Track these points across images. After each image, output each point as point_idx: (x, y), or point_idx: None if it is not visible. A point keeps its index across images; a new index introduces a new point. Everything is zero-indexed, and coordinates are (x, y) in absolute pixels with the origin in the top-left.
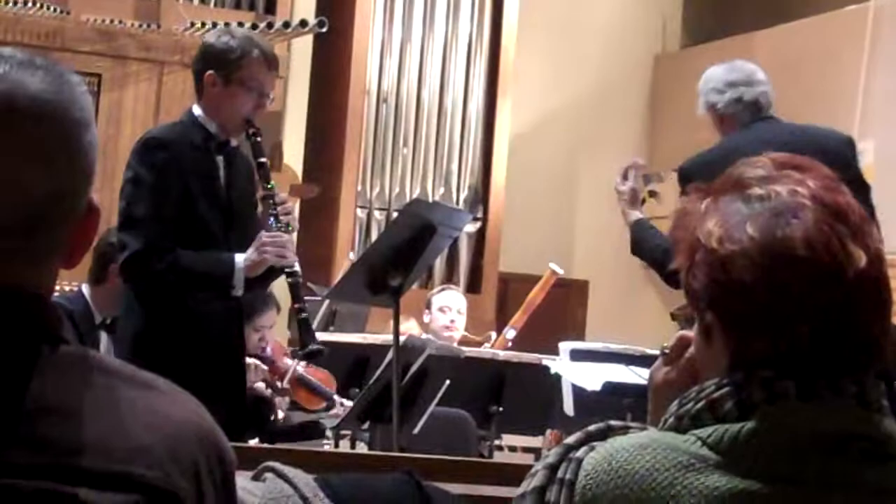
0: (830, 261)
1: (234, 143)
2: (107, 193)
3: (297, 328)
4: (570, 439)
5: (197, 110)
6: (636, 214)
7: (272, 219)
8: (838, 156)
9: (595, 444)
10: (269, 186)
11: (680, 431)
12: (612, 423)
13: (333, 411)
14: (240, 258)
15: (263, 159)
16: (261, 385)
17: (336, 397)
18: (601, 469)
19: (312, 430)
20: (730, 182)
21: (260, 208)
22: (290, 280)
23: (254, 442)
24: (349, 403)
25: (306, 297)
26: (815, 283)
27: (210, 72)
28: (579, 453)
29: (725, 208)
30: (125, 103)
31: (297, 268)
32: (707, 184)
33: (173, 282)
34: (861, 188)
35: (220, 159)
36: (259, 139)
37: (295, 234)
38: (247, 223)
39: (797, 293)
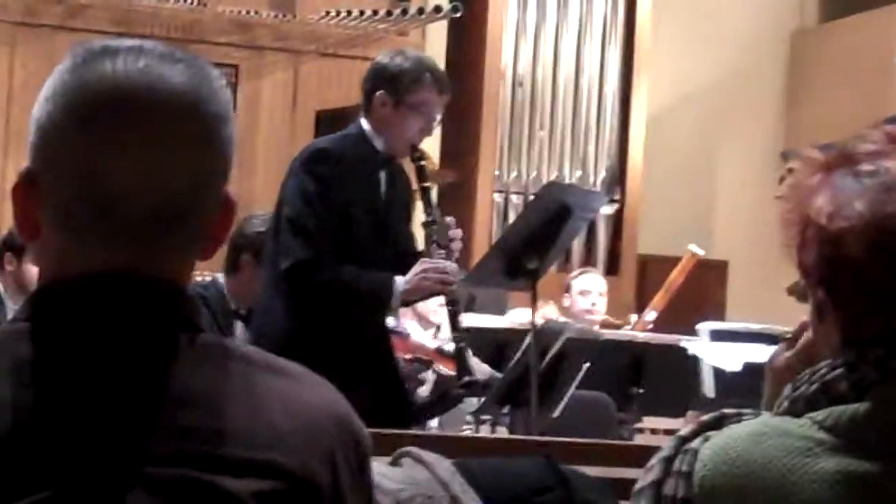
0: None
1: (399, 160)
2: (244, 184)
3: (456, 358)
4: (684, 431)
5: (365, 125)
6: None
7: (434, 245)
8: None
9: (710, 434)
10: (431, 212)
11: (795, 415)
12: (726, 411)
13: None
14: (400, 281)
15: (428, 184)
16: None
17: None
18: (718, 459)
19: (448, 400)
20: (841, 156)
21: (422, 234)
22: (450, 308)
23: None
24: (484, 366)
25: (454, 268)
26: None
27: (381, 92)
28: (694, 444)
29: (836, 183)
30: (262, 94)
31: (458, 297)
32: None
33: (333, 295)
34: None
35: (382, 175)
36: (424, 163)
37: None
38: (399, 239)
39: None
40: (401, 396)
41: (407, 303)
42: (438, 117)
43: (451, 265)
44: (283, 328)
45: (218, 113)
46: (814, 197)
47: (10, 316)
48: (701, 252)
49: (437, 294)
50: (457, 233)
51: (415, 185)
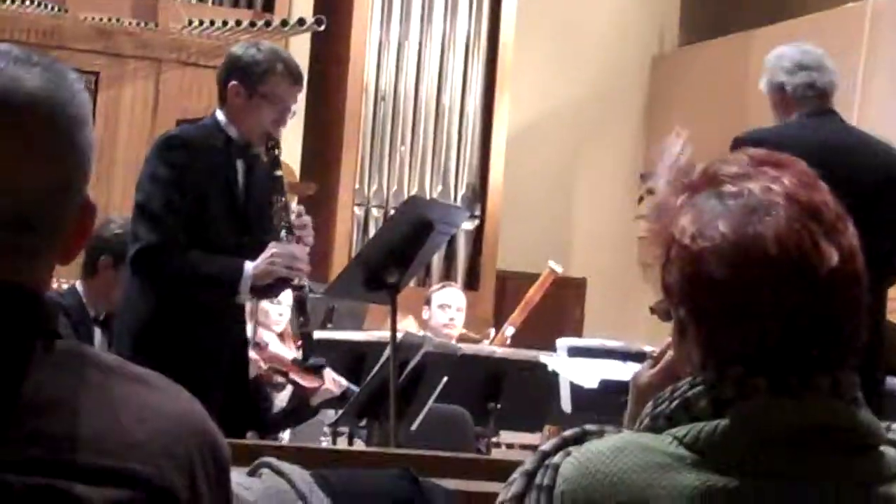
0: (801, 259)
1: (255, 150)
2: (103, 191)
3: (301, 343)
4: (546, 446)
5: (220, 115)
6: None
7: (284, 231)
8: (890, 170)
9: (571, 448)
10: (282, 198)
11: (656, 432)
12: (588, 426)
13: (326, 387)
14: (249, 265)
15: (279, 172)
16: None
17: (327, 370)
18: (578, 474)
19: (304, 411)
20: (705, 178)
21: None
22: (296, 294)
23: (250, 435)
24: (340, 378)
25: (304, 252)
26: (786, 281)
27: (234, 82)
28: (556, 459)
29: (700, 204)
30: (122, 102)
31: (306, 282)
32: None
33: (180, 280)
34: None
35: (239, 164)
36: (277, 152)
37: (307, 247)
38: (261, 230)
39: (768, 291)
40: (249, 405)
41: (256, 289)
42: (293, 108)
43: (300, 250)
44: (142, 319)
45: (75, 116)
46: (678, 217)
47: None
48: (559, 269)
49: (286, 278)
50: (307, 219)
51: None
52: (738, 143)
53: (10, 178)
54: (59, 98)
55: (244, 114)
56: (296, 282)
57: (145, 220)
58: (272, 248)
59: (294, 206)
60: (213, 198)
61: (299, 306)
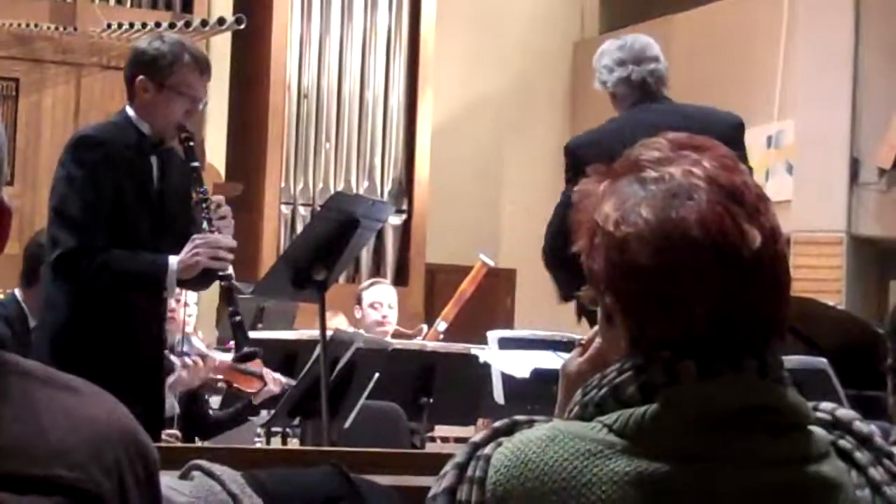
0: (724, 241)
1: (169, 144)
2: (28, 196)
3: (232, 332)
4: (477, 437)
5: (130, 111)
6: None
7: (205, 222)
8: (723, 139)
9: (502, 439)
10: (202, 190)
11: (585, 419)
12: (518, 417)
13: (268, 388)
14: (173, 260)
15: (196, 163)
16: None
17: (266, 370)
18: (510, 464)
19: (247, 410)
20: (627, 164)
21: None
22: (223, 284)
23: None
24: (279, 376)
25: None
26: (710, 264)
27: (141, 77)
28: (487, 450)
29: (622, 191)
30: (44, 107)
31: (231, 271)
32: (606, 165)
33: (105, 281)
34: None
35: (153, 160)
36: (192, 143)
37: (230, 237)
38: (179, 225)
39: (692, 274)
40: (162, 406)
41: (185, 283)
42: (204, 98)
43: (223, 239)
44: (61, 321)
45: None
46: (601, 204)
47: None
48: (491, 262)
49: (211, 269)
50: (226, 209)
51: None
52: (569, 150)
53: None
54: None
55: (154, 108)
56: (222, 272)
57: (63, 224)
58: (195, 240)
59: (213, 196)
60: (128, 195)
61: (228, 296)
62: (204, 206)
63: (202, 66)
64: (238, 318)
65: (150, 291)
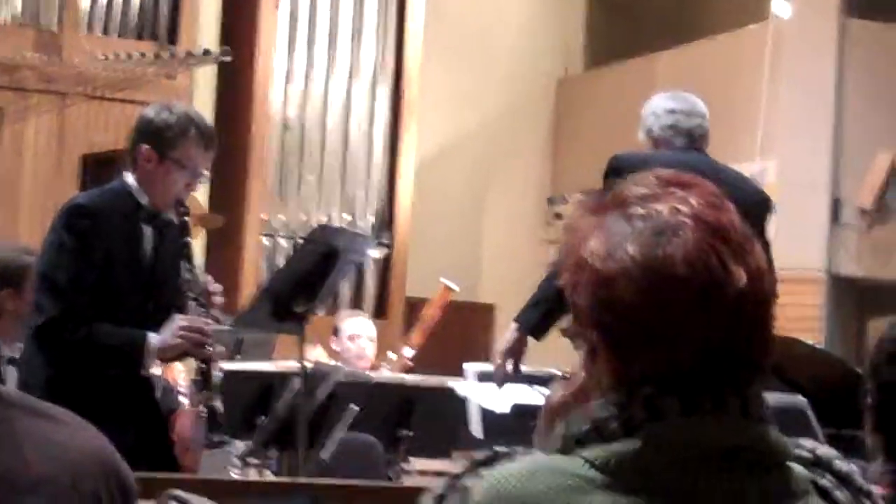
0: (710, 280)
1: (165, 216)
2: (8, 228)
3: (206, 418)
4: (457, 468)
5: (130, 179)
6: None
7: (194, 302)
8: (749, 210)
9: (482, 471)
10: (191, 267)
11: (566, 453)
12: (498, 449)
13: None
14: (153, 339)
15: (188, 238)
16: None
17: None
18: (489, 496)
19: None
20: (614, 199)
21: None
22: (202, 366)
23: None
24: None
25: (212, 327)
26: (695, 302)
27: (146, 147)
28: (466, 481)
29: (608, 226)
30: (27, 136)
31: (212, 357)
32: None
33: (84, 354)
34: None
35: (148, 230)
36: (187, 219)
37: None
38: (168, 295)
39: (677, 312)
40: (165, 439)
41: (164, 359)
42: (205, 172)
43: (207, 324)
44: (45, 378)
45: None
46: (587, 240)
47: None
48: (454, 287)
49: (191, 354)
50: (217, 287)
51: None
52: (615, 163)
53: None
54: None
55: (155, 178)
56: (201, 357)
57: (49, 292)
58: (179, 322)
59: (202, 275)
60: (119, 266)
61: (203, 378)
62: (193, 283)
63: (208, 141)
64: (212, 403)
65: (128, 368)
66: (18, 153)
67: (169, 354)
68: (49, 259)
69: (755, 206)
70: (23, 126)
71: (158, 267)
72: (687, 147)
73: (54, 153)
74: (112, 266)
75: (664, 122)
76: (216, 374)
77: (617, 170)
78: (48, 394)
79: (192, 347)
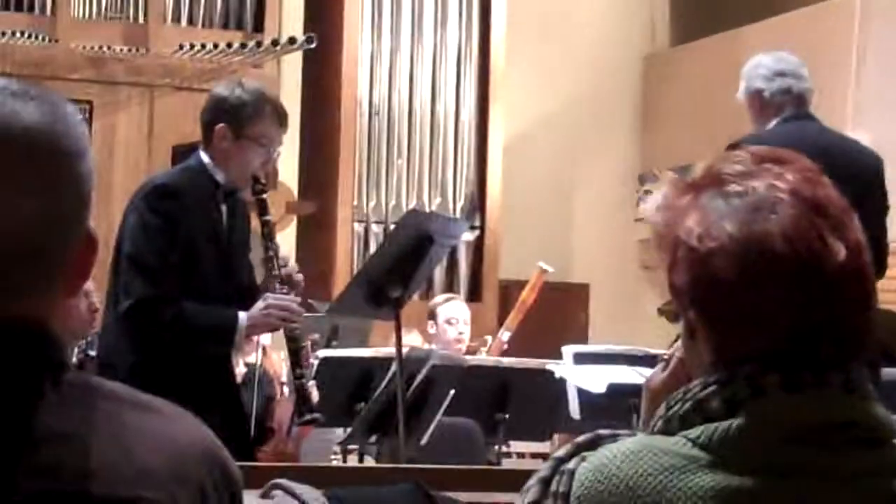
0: (809, 255)
1: (241, 193)
2: (102, 221)
3: (296, 395)
4: (560, 452)
5: (205, 157)
6: None
7: (278, 282)
8: (868, 172)
9: (586, 454)
10: (273, 245)
11: (669, 434)
12: (602, 431)
13: None
14: (243, 317)
15: (269, 217)
16: None
17: None
18: (594, 478)
19: None
20: (709, 177)
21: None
22: (291, 346)
23: None
24: None
25: (307, 314)
26: (795, 278)
27: (221, 125)
28: (571, 465)
29: (705, 205)
30: (117, 129)
31: (300, 333)
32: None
33: (177, 333)
34: (882, 210)
35: (224, 208)
36: (265, 196)
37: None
38: (240, 273)
39: (776, 288)
40: (245, 426)
41: (251, 336)
42: (280, 150)
43: (294, 302)
44: (129, 363)
45: (73, 149)
46: (684, 218)
47: None
48: (550, 269)
49: (278, 329)
50: (294, 267)
51: (255, 219)
52: (732, 147)
53: (9, 213)
54: (56, 132)
55: (231, 156)
56: (289, 333)
57: (138, 273)
58: (268, 300)
59: (282, 253)
60: (200, 243)
61: (294, 358)
62: (275, 262)
63: (282, 119)
64: (303, 381)
65: (218, 346)
66: (110, 146)
67: (257, 332)
68: (136, 240)
69: (876, 164)
70: (113, 119)
71: (233, 245)
72: (796, 113)
73: (144, 145)
74: (195, 245)
75: (776, 86)
76: (309, 360)
77: None
78: (131, 379)
79: (281, 324)
